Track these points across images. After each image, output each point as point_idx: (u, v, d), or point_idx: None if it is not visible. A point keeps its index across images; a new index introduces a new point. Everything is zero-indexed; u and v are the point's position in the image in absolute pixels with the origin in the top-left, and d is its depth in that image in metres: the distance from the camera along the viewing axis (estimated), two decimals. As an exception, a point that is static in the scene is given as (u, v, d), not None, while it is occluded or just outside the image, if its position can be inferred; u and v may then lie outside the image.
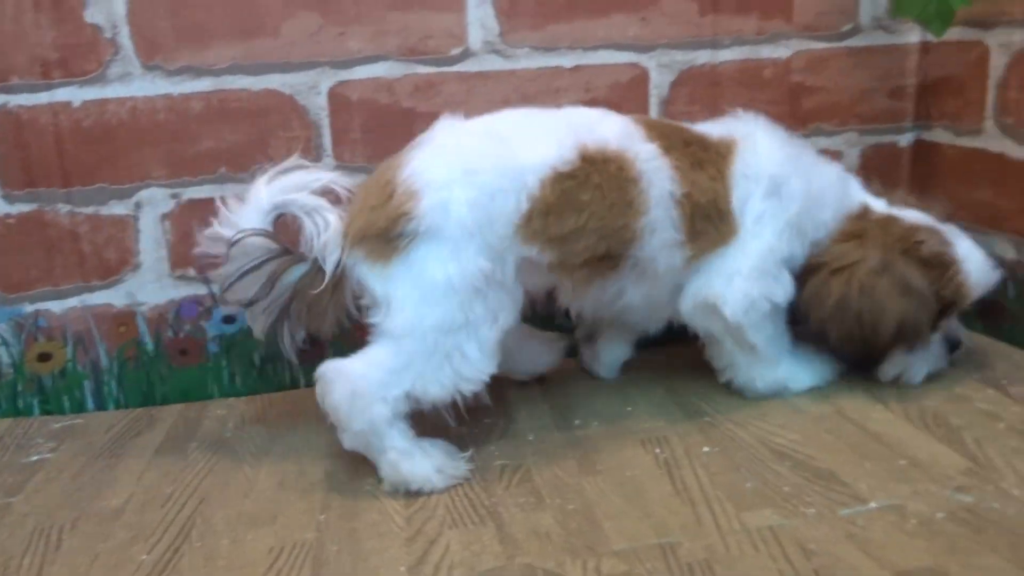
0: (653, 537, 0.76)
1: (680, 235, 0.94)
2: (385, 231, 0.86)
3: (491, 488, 0.88)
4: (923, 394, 1.00)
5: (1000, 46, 1.07)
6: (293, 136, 1.11)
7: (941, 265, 0.98)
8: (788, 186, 0.97)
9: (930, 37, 1.06)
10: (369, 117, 1.12)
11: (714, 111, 1.19)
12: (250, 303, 0.90)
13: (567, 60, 1.15)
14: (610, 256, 0.92)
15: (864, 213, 1.02)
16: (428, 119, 1.12)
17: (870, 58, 1.21)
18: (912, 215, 1.01)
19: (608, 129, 0.91)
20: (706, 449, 0.92)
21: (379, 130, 1.13)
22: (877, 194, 1.05)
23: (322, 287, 0.88)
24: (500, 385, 1.14)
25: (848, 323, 0.98)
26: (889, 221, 1.00)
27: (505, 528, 0.80)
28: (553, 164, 0.88)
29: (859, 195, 1.04)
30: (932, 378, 1.02)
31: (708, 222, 0.95)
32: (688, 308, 0.99)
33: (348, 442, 0.89)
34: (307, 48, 1.09)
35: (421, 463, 0.88)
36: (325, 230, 0.89)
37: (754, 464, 0.88)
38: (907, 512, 0.76)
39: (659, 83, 1.17)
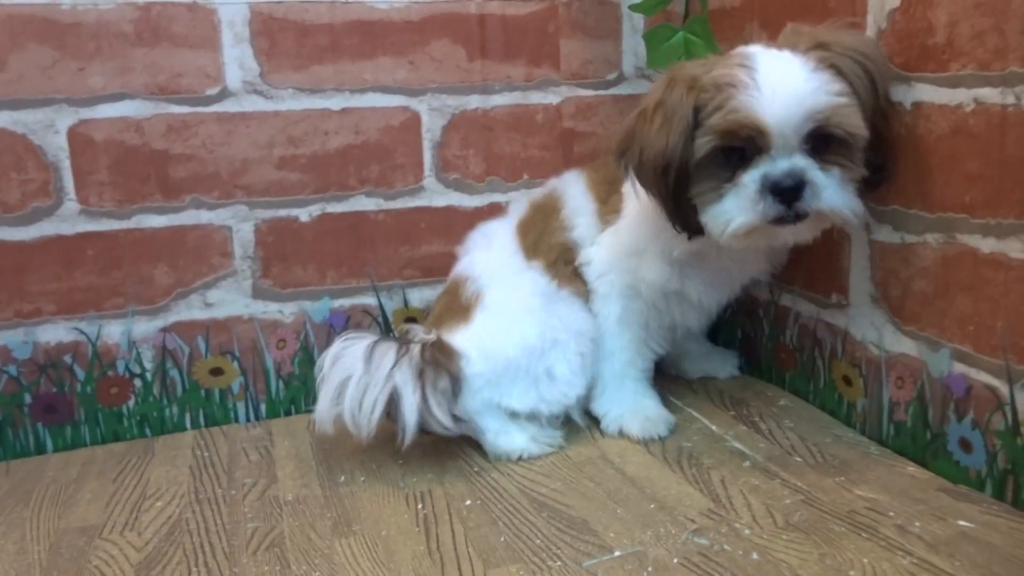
0: (393, 604, 0.73)
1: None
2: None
3: (235, 556, 0.82)
4: (682, 434, 1.02)
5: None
6: (28, 179, 1.02)
7: (715, 89, 0.86)
8: None
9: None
10: (117, 158, 1.05)
11: (488, 155, 1.19)
12: None
13: (334, 102, 1.12)
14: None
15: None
16: (184, 161, 1.07)
17: (636, 105, 1.24)
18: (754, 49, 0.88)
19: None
20: (468, 502, 0.90)
21: (129, 172, 1.05)
22: None
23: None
24: (265, 441, 1.08)
25: (632, 150, 0.93)
26: (719, 57, 0.91)
27: (239, 603, 0.74)
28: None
29: None
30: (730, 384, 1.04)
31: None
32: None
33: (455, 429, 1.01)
34: (40, 84, 1.01)
35: (517, 436, 1.00)
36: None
37: (511, 516, 0.86)
38: (647, 559, 0.77)
39: (431, 127, 1.16)
